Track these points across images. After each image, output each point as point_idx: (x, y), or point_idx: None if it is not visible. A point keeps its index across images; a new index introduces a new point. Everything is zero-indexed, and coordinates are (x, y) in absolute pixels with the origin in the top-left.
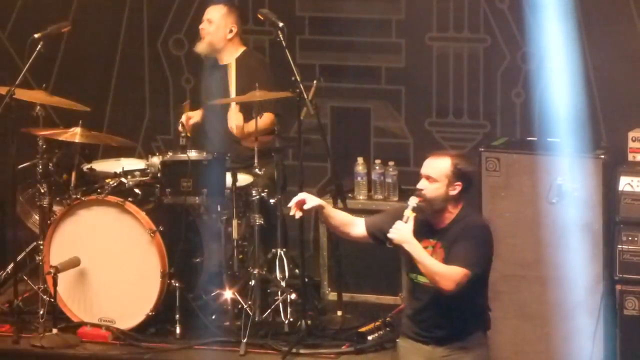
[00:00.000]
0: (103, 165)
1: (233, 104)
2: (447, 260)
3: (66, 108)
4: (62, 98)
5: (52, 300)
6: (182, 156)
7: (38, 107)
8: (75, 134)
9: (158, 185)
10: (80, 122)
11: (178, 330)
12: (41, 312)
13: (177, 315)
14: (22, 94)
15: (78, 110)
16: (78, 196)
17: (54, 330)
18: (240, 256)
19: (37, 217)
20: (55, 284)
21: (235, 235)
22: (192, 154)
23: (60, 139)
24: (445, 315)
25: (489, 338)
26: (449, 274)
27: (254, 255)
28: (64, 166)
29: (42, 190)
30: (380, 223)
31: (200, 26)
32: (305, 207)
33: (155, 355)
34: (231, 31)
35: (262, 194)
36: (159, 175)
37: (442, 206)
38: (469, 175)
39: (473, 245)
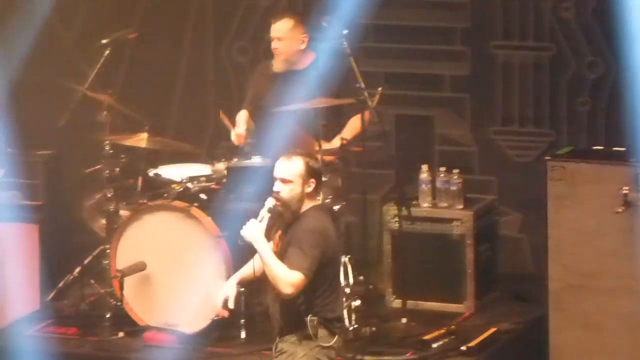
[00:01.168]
0: (169, 171)
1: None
2: (283, 261)
3: (133, 113)
4: (129, 104)
5: (119, 303)
6: (247, 162)
7: (105, 112)
8: (141, 140)
9: (223, 191)
10: (147, 127)
11: (243, 335)
12: (107, 316)
13: (242, 320)
14: (90, 100)
15: (143, 117)
16: (144, 201)
17: (120, 334)
18: None
19: (103, 222)
20: (121, 287)
21: None
22: (256, 160)
23: (126, 144)
24: (279, 308)
25: (311, 348)
26: (287, 278)
27: None
28: (130, 171)
29: (109, 195)
30: None
31: (272, 46)
32: (230, 304)
33: None
34: (302, 41)
35: (326, 201)
36: (224, 180)
37: (298, 205)
38: (319, 171)
39: (305, 250)
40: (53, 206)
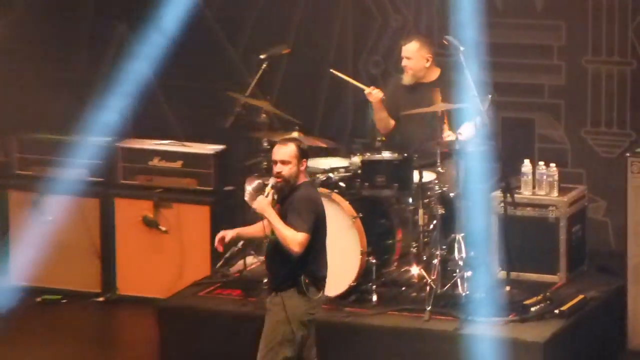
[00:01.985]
0: (315, 163)
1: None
2: (287, 224)
3: (285, 116)
4: (283, 108)
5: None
6: (377, 156)
7: (263, 114)
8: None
9: (358, 180)
10: (297, 127)
11: (374, 299)
12: (264, 281)
13: (374, 286)
14: (251, 104)
15: (294, 120)
16: None
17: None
18: (425, 239)
19: None
20: None
21: (420, 222)
22: (386, 155)
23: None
24: (273, 265)
25: (303, 301)
26: (294, 238)
27: (436, 239)
28: None
29: (266, 183)
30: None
31: (402, 63)
32: (227, 239)
33: (355, 319)
34: (427, 60)
35: (444, 189)
36: (359, 171)
37: (295, 181)
38: (307, 152)
39: (303, 214)
40: (222, 191)
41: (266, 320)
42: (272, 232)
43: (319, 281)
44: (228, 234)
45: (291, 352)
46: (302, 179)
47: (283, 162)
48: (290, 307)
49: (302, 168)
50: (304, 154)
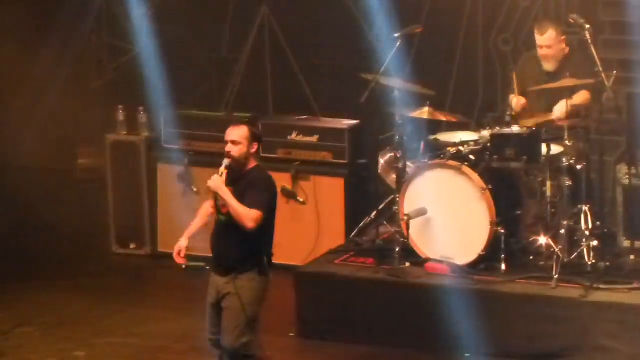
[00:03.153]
0: (445, 137)
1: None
2: (243, 203)
3: (418, 92)
4: (415, 84)
5: (405, 240)
6: (507, 130)
7: (396, 91)
8: (424, 112)
9: (488, 153)
10: (428, 102)
11: (503, 267)
12: (397, 249)
13: (502, 255)
14: (384, 81)
15: (427, 94)
16: (425, 160)
17: (407, 264)
18: (553, 210)
19: (393, 176)
20: (407, 227)
21: (548, 193)
22: (515, 129)
23: (412, 115)
24: (224, 246)
25: (264, 281)
26: (248, 214)
27: (563, 210)
28: (415, 137)
29: (398, 156)
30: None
31: (542, 53)
32: (183, 252)
33: (484, 286)
34: (564, 42)
35: (571, 161)
36: (488, 145)
37: (246, 162)
38: (260, 137)
39: (259, 192)
40: (356, 164)
41: (229, 303)
42: (223, 213)
43: (270, 260)
44: (182, 245)
45: (256, 332)
46: (253, 162)
47: (234, 143)
48: (253, 290)
49: (253, 151)
50: (256, 137)
